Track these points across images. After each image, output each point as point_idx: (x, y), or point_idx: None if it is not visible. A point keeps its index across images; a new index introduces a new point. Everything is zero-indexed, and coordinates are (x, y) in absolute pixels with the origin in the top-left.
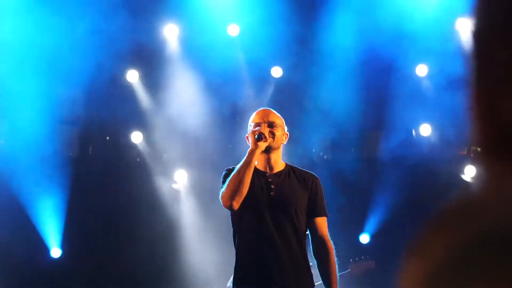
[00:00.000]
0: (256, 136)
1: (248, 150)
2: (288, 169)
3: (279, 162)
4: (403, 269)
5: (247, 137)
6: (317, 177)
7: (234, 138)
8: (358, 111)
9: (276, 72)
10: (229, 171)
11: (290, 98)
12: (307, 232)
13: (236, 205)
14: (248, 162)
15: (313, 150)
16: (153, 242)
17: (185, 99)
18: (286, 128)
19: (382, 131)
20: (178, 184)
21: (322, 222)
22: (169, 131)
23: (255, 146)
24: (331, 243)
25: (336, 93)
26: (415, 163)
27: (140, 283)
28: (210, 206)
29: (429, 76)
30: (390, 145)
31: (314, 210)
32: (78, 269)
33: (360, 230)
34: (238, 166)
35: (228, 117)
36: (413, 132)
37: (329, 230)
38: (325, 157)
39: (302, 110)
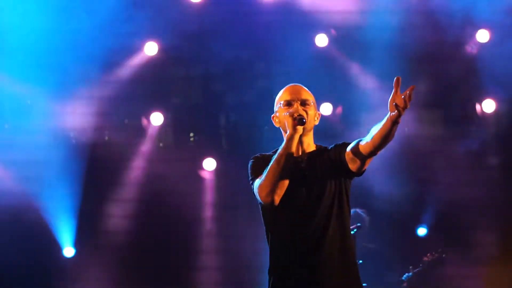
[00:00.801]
0: (296, 118)
1: (286, 135)
2: (320, 150)
3: (311, 145)
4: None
5: (273, 117)
6: (337, 143)
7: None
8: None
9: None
10: (258, 160)
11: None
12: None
13: (278, 200)
14: (288, 150)
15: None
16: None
17: None
18: (316, 106)
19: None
20: (207, 171)
21: (353, 146)
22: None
23: (294, 130)
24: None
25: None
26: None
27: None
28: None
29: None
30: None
31: (340, 154)
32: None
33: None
34: (276, 155)
35: None
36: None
37: (383, 220)
38: None
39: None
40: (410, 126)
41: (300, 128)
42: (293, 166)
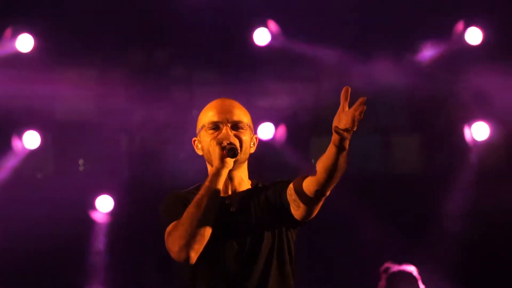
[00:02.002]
0: (226, 148)
1: (209, 170)
2: (256, 188)
3: (245, 181)
4: None
5: (194, 141)
6: (280, 180)
7: None
8: None
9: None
10: (173, 200)
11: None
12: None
13: (194, 257)
14: (212, 189)
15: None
16: None
17: None
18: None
19: None
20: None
21: (296, 182)
22: None
23: (222, 164)
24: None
25: None
26: None
27: None
28: None
29: None
30: None
31: (280, 195)
32: None
33: None
34: (198, 196)
35: None
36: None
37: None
38: None
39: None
40: None
41: (230, 161)
42: (218, 211)
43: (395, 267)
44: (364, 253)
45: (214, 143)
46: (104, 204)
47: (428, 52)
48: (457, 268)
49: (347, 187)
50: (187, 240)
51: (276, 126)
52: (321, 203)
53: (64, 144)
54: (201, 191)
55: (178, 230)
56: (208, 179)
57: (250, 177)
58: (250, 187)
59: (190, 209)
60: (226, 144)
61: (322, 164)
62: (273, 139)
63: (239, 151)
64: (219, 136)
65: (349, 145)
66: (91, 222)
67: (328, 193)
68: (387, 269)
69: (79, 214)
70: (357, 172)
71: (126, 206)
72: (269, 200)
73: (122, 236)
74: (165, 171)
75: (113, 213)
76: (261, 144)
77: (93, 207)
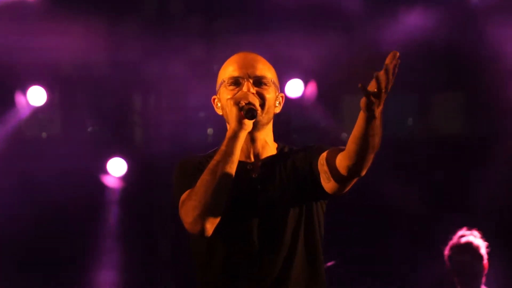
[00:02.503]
0: (244, 108)
1: (227, 133)
2: (280, 152)
3: (270, 145)
4: None
5: (213, 99)
6: (313, 144)
7: None
8: None
9: None
10: (187, 166)
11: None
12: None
13: (210, 229)
14: (229, 154)
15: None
16: None
17: None
18: (279, 86)
19: None
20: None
21: (331, 152)
22: None
23: (240, 125)
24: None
25: None
26: None
27: None
28: None
29: None
30: None
31: (311, 164)
32: None
33: None
34: (212, 162)
35: None
36: None
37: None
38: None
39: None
40: None
41: (249, 123)
42: (238, 178)
43: (454, 239)
44: (403, 226)
45: (231, 102)
46: (117, 168)
47: None
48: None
49: (380, 152)
50: (201, 211)
51: (305, 83)
52: (354, 181)
53: (71, 101)
54: (216, 156)
55: (192, 200)
56: (224, 142)
57: (275, 140)
58: (275, 151)
59: (204, 177)
60: (244, 103)
61: (352, 135)
62: (301, 98)
63: (258, 111)
64: (237, 95)
65: (387, 104)
66: (103, 187)
67: (363, 173)
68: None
69: (88, 179)
70: (391, 136)
71: (140, 171)
72: (297, 167)
73: (135, 204)
74: (182, 132)
75: (126, 178)
76: (289, 103)
77: (104, 170)
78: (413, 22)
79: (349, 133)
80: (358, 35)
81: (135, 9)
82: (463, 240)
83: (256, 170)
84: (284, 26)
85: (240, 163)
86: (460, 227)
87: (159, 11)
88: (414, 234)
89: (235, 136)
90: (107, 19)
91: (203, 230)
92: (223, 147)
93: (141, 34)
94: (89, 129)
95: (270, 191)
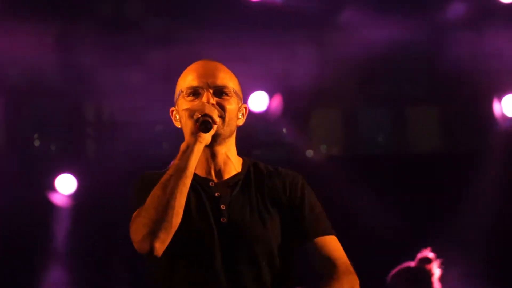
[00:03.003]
0: (199, 120)
1: (180, 146)
2: (248, 169)
3: (233, 160)
4: None
5: (172, 111)
6: (298, 176)
7: None
8: None
9: None
10: (144, 183)
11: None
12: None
13: (160, 248)
14: (182, 169)
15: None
16: None
17: None
18: (242, 97)
19: None
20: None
21: (327, 243)
22: None
23: (195, 138)
24: (354, 275)
25: None
26: None
27: None
28: None
29: None
30: None
31: (311, 227)
32: None
33: None
34: (164, 176)
35: None
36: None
37: None
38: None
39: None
40: None
41: (204, 136)
42: (198, 196)
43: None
44: (373, 245)
45: (186, 114)
46: (66, 185)
47: (454, 9)
48: (485, 264)
49: (355, 169)
50: (151, 228)
51: (271, 95)
52: None
53: (18, 113)
54: (169, 171)
55: (141, 216)
56: (178, 156)
57: (239, 155)
58: (240, 167)
59: (155, 192)
60: (199, 115)
61: None
62: (266, 111)
63: (217, 123)
64: (193, 105)
65: (358, 119)
66: (50, 206)
67: None
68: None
69: (35, 196)
70: (365, 151)
71: (90, 188)
72: (272, 196)
73: (85, 223)
74: (138, 147)
75: (75, 195)
76: (253, 116)
77: (52, 188)
78: (387, 33)
79: (316, 150)
80: (327, 46)
81: (89, 12)
82: (407, 267)
83: (219, 188)
84: (249, 35)
85: (202, 179)
86: (436, 248)
87: (115, 15)
88: (386, 255)
89: (189, 149)
90: (58, 23)
91: (152, 249)
92: (176, 161)
93: (96, 40)
94: (36, 143)
95: (236, 213)
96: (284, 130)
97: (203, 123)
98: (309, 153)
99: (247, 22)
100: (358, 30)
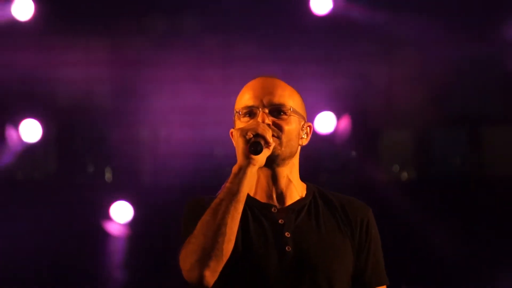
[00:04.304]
0: (250, 141)
1: (233, 168)
2: (313, 196)
3: (295, 184)
4: None
5: (231, 133)
6: (368, 210)
7: None
8: None
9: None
10: (195, 208)
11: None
12: None
13: (209, 277)
14: (234, 193)
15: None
16: None
17: None
18: (305, 115)
19: None
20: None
21: None
22: None
23: (247, 160)
24: None
25: None
26: None
27: None
28: None
29: None
30: None
31: (364, 276)
32: None
33: None
34: (215, 201)
35: None
36: None
37: None
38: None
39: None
40: None
41: (257, 158)
42: (260, 222)
43: None
44: (443, 274)
45: (237, 133)
46: (121, 213)
47: None
48: None
49: (427, 195)
50: (199, 256)
51: (338, 116)
52: None
53: (69, 136)
54: (220, 195)
55: (191, 244)
56: (229, 179)
57: (301, 178)
58: (305, 193)
59: (205, 217)
60: (251, 135)
61: None
62: (334, 133)
63: (267, 144)
64: (246, 125)
65: (430, 140)
66: (105, 235)
67: None
68: None
69: (88, 225)
70: (439, 173)
71: (148, 216)
72: (339, 228)
73: (142, 253)
74: (197, 171)
75: (132, 224)
76: (319, 138)
77: (107, 216)
78: (461, 49)
79: (388, 174)
80: (397, 63)
81: (142, 28)
82: None
83: (282, 215)
84: (315, 52)
85: (263, 205)
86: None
87: (170, 31)
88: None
89: (241, 171)
90: (111, 40)
91: (201, 278)
92: (227, 184)
93: (149, 58)
94: (90, 168)
95: (302, 242)
96: (353, 154)
97: (253, 145)
98: (396, 168)
99: (312, 37)
100: (430, 46)
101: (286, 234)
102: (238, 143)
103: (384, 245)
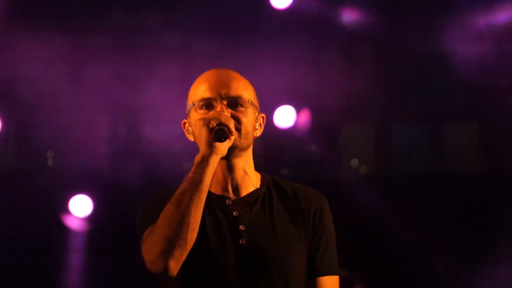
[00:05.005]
0: (214, 129)
1: (195, 158)
2: (268, 186)
3: (250, 175)
4: None
5: (184, 124)
6: (323, 200)
7: None
8: None
9: None
10: (152, 203)
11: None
12: None
13: (174, 267)
14: (197, 182)
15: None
16: None
17: None
18: (258, 106)
19: None
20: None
21: (329, 285)
22: None
23: (210, 149)
24: None
25: None
26: None
27: None
28: None
29: None
30: None
31: (314, 265)
32: None
33: None
34: (178, 191)
35: None
36: None
37: None
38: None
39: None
40: None
41: (220, 147)
42: (214, 215)
43: None
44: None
45: (200, 123)
46: (81, 207)
47: (502, 15)
48: None
49: (387, 191)
50: (164, 246)
51: (298, 110)
52: None
53: (28, 131)
54: (183, 185)
55: (154, 234)
56: (192, 169)
57: (256, 168)
58: (259, 183)
59: (168, 207)
60: (215, 124)
61: None
62: (293, 127)
63: (230, 133)
64: (208, 114)
65: (391, 138)
66: (64, 229)
67: None
68: None
69: (48, 220)
70: (399, 170)
71: (106, 209)
72: (293, 218)
73: (101, 247)
74: (156, 164)
75: (91, 218)
76: (279, 132)
77: (66, 210)
78: (420, 45)
79: (347, 168)
80: (357, 59)
81: (102, 24)
82: None
83: (237, 207)
84: (274, 46)
85: (218, 197)
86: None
87: (131, 26)
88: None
89: (204, 161)
90: (71, 35)
91: (166, 268)
92: (190, 174)
93: (110, 53)
94: (49, 162)
95: (257, 234)
96: (313, 148)
97: (219, 132)
98: (355, 163)
99: (272, 31)
100: (390, 41)
101: (240, 227)
102: (201, 132)
103: (339, 239)
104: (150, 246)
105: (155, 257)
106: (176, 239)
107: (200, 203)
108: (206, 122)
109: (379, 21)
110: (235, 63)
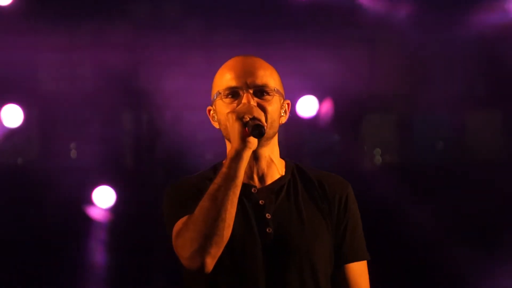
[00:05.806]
0: (250, 125)
1: (228, 152)
2: (292, 173)
3: (276, 162)
4: None
5: (209, 111)
6: (347, 185)
7: None
8: None
9: None
10: (179, 191)
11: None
12: None
13: (210, 264)
14: (232, 178)
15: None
16: None
17: None
18: (284, 92)
19: None
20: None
21: (359, 271)
22: None
23: (244, 144)
24: None
25: None
26: None
27: None
28: None
29: None
30: None
31: (341, 251)
32: None
33: None
34: (213, 186)
35: None
36: None
37: None
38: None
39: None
40: None
41: (254, 141)
42: (240, 204)
43: None
44: (426, 266)
45: (233, 117)
46: (103, 198)
47: None
48: None
49: (410, 181)
50: (201, 243)
51: (320, 100)
52: None
53: (52, 121)
54: (217, 180)
55: (189, 231)
56: (226, 164)
57: (281, 155)
58: (284, 171)
59: (204, 203)
60: (248, 119)
61: None
62: (316, 117)
63: (265, 128)
64: (239, 108)
65: (414, 127)
66: (87, 220)
67: None
68: None
69: (71, 210)
70: (422, 161)
71: (130, 201)
72: (318, 205)
73: (124, 238)
74: (180, 155)
75: (114, 209)
76: (302, 122)
77: (89, 201)
78: (445, 33)
79: (369, 158)
80: (381, 47)
81: (124, 14)
82: None
83: (263, 195)
84: (297, 36)
85: (244, 186)
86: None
87: (152, 17)
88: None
89: (238, 156)
90: (92, 25)
91: (203, 265)
92: (224, 169)
93: (131, 44)
94: (73, 153)
95: (283, 223)
96: (335, 137)
97: (256, 128)
98: (378, 152)
99: (295, 21)
100: (414, 30)
101: (267, 215)
102: (234, 127)
103: (364, 226)
104: (185, 243)
105: (191, 254)
106: (212, 236)
107: (235, 199)
108: (239, 116)
109: (402, 9)
110: (257, 52)
